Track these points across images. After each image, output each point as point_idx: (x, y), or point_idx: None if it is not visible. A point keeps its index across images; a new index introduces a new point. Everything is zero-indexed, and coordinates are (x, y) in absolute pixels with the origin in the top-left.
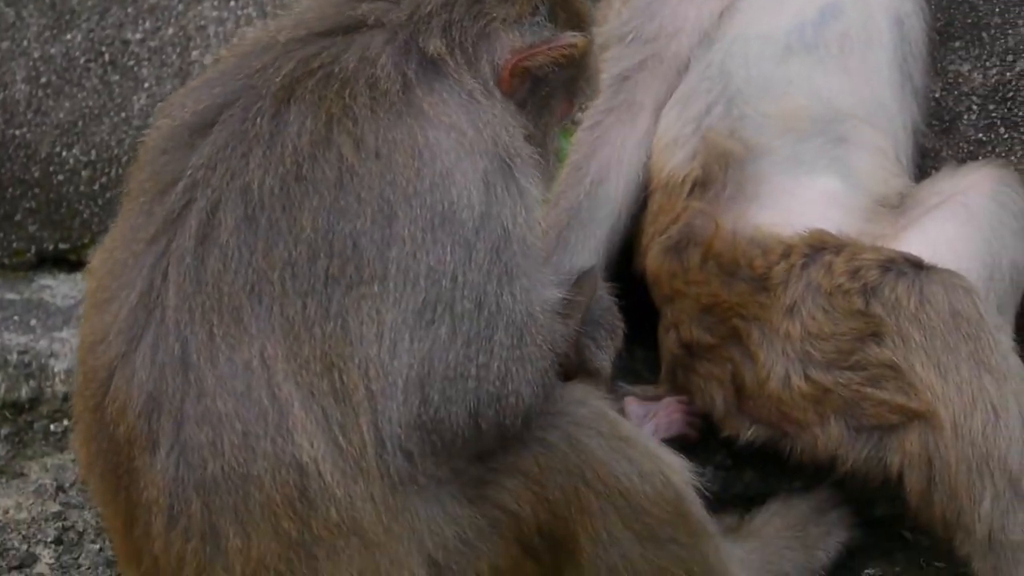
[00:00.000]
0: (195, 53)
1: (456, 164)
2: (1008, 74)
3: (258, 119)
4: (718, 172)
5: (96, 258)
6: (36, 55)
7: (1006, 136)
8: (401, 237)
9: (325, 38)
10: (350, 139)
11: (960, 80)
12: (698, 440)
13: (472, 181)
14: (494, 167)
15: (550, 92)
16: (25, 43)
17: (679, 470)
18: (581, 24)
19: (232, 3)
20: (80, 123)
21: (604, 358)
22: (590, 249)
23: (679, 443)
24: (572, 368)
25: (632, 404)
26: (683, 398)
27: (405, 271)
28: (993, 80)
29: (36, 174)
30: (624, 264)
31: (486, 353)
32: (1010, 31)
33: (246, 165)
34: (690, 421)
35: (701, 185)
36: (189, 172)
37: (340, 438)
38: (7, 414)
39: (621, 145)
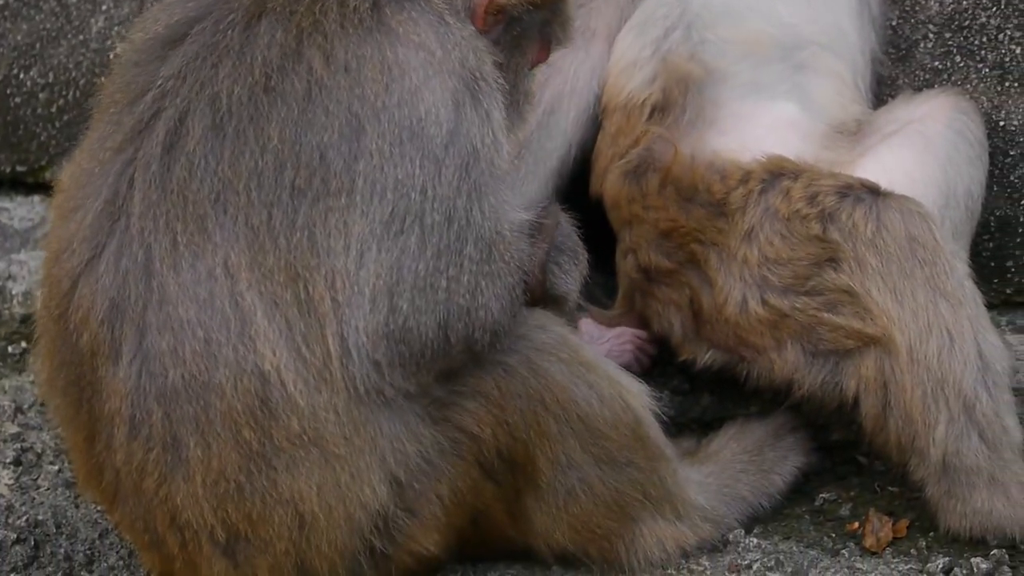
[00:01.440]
0: None
1: (425, 82)
2: (964, 2)
3: (229, 31)
4: (677, 96)
5: (65, 171)
6: None
7: (962, 64)
8: (369, 150)
9: None
10: (320, 52)
11: (917, 8)
12: (648, 369)
13: (440, 99)
14: (462, 87)
15: (523, 33)
16: None
17: (638, 394)
18: None
19: None
20: (38, 45)
21: (570, 284)
22: (540, 178)
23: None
24: (537, 294)
25: (587, 324)
26: (638, 331)
27: (372, 183)
28: (949, 8)
29: None
30: (577, 190)
31: (456, 266)
32: None
33: (215, 75)
34: (639, 355)
35: (660, 109)
36: (159, 82)
37: (303, 348)
38: None
39: (574, 74)
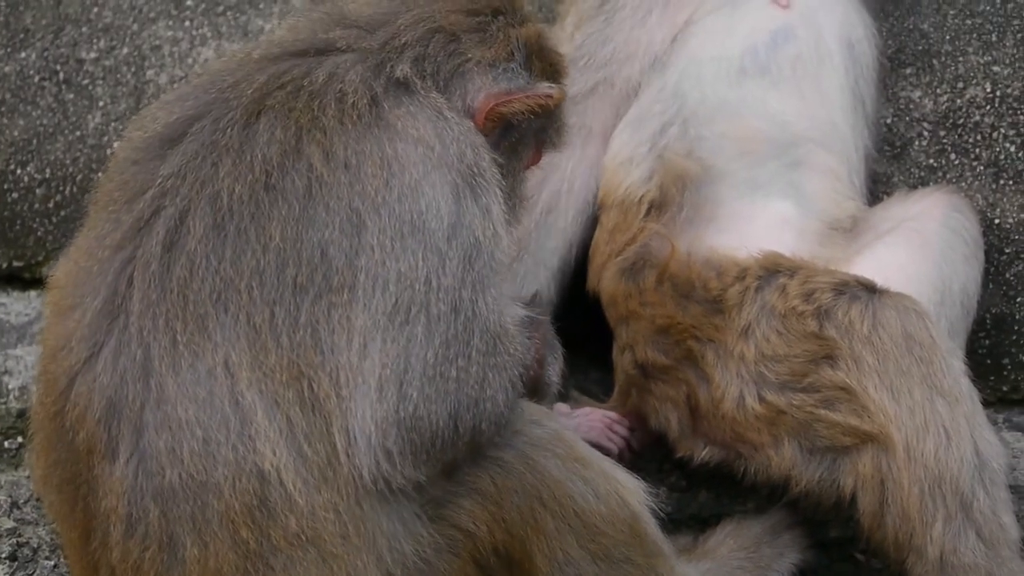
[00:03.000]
0: (150, 72)
1: (424, 176)
2: (958, 101)
3: (228, 130)
4: (675, 194)
5: (59, 268)
6: None
7: (957, 162)
8: (370, 245)
9: (297, 57)
10: (319, 149)
11: (911, 106)
12: (633, 453)
13: (441, 192)
14: (461, 181)
15: (520, 139)
16: None
17: (635, 490)
18: (556, 75)
19: (187, 23)
20: (35, 141)
21: (554, 376)
22: (540, 278)
23: (633, 464)
24: (531, 388)
25: (559, 406)
26: (608, 412)
27: (374, 278)
28: (944, 107)
29: None
30: (576, 284)
31: (464, 357)
32: (960, 58)
33: (216, 174)
34: (609, 435)
35: (657, 206)
36: (159, 181)
37: (305, 446)
38: None
39: (571, 172)
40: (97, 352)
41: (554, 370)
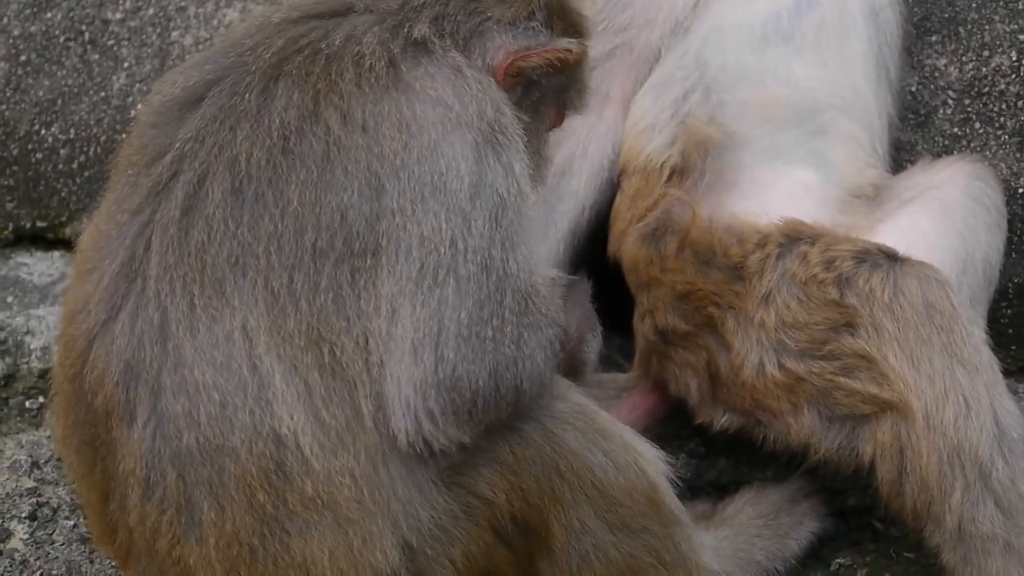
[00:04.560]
0: (175, 34)
1: (443, 136)
2: (984, 69)
3: (246, 94)
4: (697, 160)
5: (84, 233)
6: (16, 33)
7: (981, 131)
8: (390, 209)
9: (316, 19)
10: (337, 113)
11: (936, 74)
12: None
13: (460, 152)
14: (482, 139)
15: (541, 98)
16: (5, 20)
17: (654, 461)
18: (577, 33)
19: None
20: (59, 102)
21: (592, 352)
22: (551, 239)
23: (653, 432)
24: (567, 360)
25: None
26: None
27: (397, 242)
28: (969, 75)
29: (15, 152)
30: (591, 253)
31: (498, 317)
32: (986, 26)
33: (234, 138)
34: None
35: (679, 172)
36: (177, 145)
37: (323, 411)
38: None
39: (587, 135)
40: (115, 315)
41: (592, 348)
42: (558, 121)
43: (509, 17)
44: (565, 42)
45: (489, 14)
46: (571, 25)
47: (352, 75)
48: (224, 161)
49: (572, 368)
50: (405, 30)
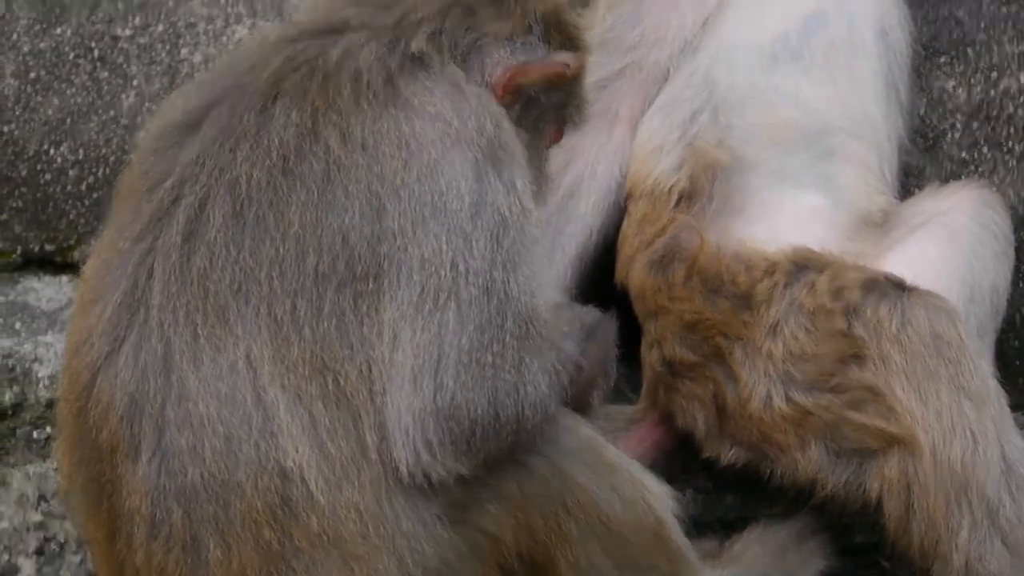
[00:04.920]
0: (184, 51)
1: (443, 155)
2: (992, 92)
3: (245, 115)
4: (705, 184)
5: (88, 262)
6: (25, 49)
7: (989, 156)
8: (391, 231)
9: (313, 37)
10: (336, 131)
11: (945, 97)
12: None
13: (461, 171)
14: (483, 157)
15: (540, 115)
16: (15, 37)
17: (661, 497)
18: (574, 47)
19: (222, 1)
20: (68, 120)
21: (598, 399)
22: (558, 263)
23: (660, 466)
24: (577, 398)
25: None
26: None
27: (398, 265)
28: (977, 98)
29: (23, 172)
30: (599, 276)
31: (499, 341)
32: (995, 47)
33: (233, 160)
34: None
35: (687, 197)
36: (177, 169)
37: (328, 443)
38: None
39: (595, 156)
40: (118, 347)
41: (601, 393)
42: (557, 137)
43: (506, 32)
44: (563, 56)
45: (486, 30)
46: (568, 38)
47: (350, 92)
48: (225, 184)
49: (577, 407)
50: (402, 45)
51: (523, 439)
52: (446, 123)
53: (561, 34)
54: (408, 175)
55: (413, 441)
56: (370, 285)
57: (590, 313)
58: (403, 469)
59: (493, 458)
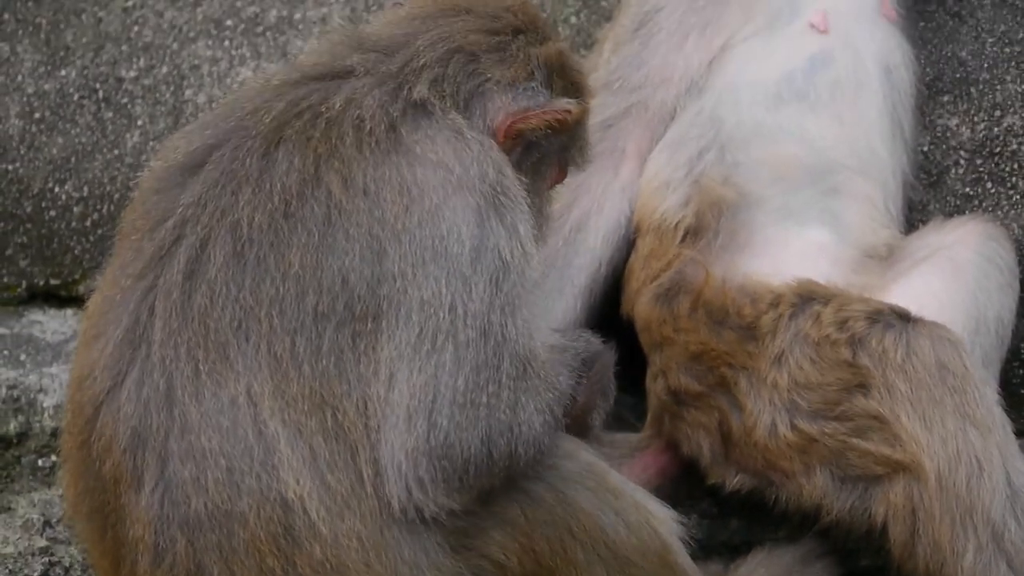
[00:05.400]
0: (188, 92)
1: (444, 200)
2: (996, 129)
3: (247, 159)
4: (711, 220)
5: (91, 299)
6: (30, 90)
7: (993, 191)
8: (391, 273)
9: (316, 82)
10: (338, 177)
11: (948, 134)
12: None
13: (462, 216)
14: (484, 202)
15: (541, 158)
16: (20, 78)
17: (666, 521)
18: (577, 93)
19: (226, 43)
20: (73, 159)
21: (599, 420)
22: (567, 295)
23: (665, 492)
24: (572, 429)
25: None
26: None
27: (398, 306)
28: (981, 135)
29: (28, 209)
30: (608, 309)
31: (495, 382)
32: (998, 86)
33: (235, 203)
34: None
35: (693, 232)
36: (179, 210)
37: (328, 475)
38: None
39: (602, 192)
40: (120, 382)
41: (599, 416)
42: (560, 178)
43: (509, 78)
44: (564, 102)
45: (489, 75)
46: (571, 83)
47: (353, 139)
48: (226, 225)
49: (577, 432)
50: (405, 92)
51: (517, 472)
52: (448, 170)
53: (563, 79)
54: (409, 220)
55: (406, 478)
56: (369, 325)
57: (589, 345)
58: (395, 505)
59: (487, 491)
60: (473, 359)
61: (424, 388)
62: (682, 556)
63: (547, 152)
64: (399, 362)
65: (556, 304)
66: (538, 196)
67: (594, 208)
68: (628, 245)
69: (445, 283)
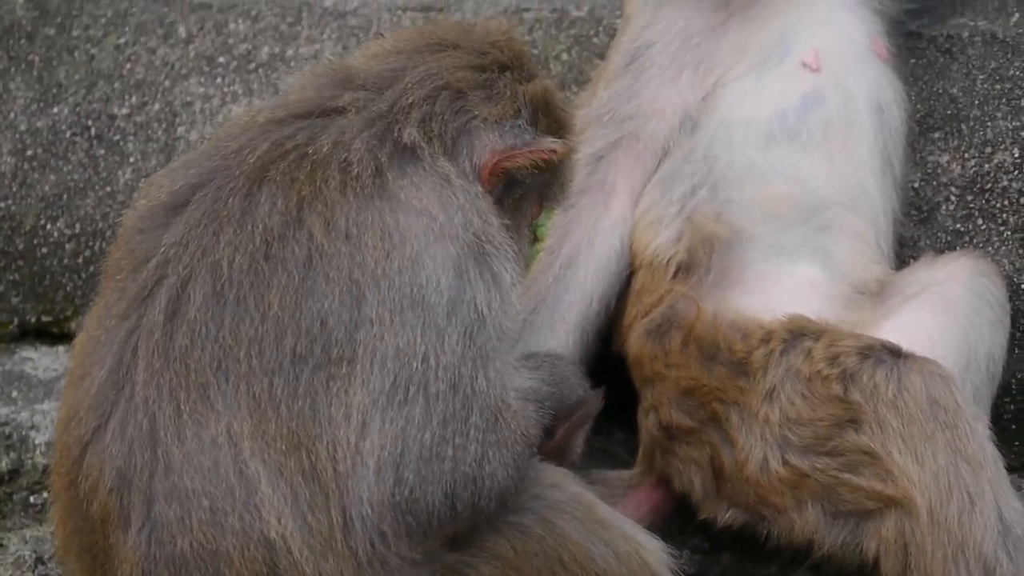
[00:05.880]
0: (181, 129)
1: (425, 248)
2: (986, 166)
3: (230, 199)
4: (703, 256)
5: (77, 339)
6: (23, 128)
7: (984, 227)
8: (369, 318)
9: (302, 120)
10: (320, 220)
11: (939, 171)
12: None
13: (442, 266)
14: (466, 252)
15: (523, 195)
16: (12, 116)
17: (655, 551)
18: (561, 131)
19: (218, 80)
20: (65, 196)
21: (578, 448)
22: (559, 332)
23: (657, 526)
24: (551, 458)
25: None
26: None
27: (373, 352)
28: (971, 171)
29: (20, 246)
30: (601, 344)
31: (462, 435)
32: (988, 123)
33: (216, 243)
34: None
35: (685, 269)
36: (162, 250)
37: (309, 516)
38: None
39: (592, 228)
40: (105, 422)
41: (579, 440)
42: (537, 213)
43: (496, 116)
44: (549, 142)
45: (476, 112)
46: (555, 121)
47: (338, 183)
48: (207, 265)
49: (556, 459)
50: (394, 134)
51: (479, 518)
52: (431, 218)
53: (548, 117)
54: (389, 266)
55: (369, 531)
56: (344, 368)
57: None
58: (361, 554)
59: (449, 539)
60: (442, 412)
61: (394, 441)
62: None
63: (529, 189)
64: (372, 410)
65: (548, 341)
66: (517, 232)
67: (584, 243)
68: (619, 281)
69: (421, 333)
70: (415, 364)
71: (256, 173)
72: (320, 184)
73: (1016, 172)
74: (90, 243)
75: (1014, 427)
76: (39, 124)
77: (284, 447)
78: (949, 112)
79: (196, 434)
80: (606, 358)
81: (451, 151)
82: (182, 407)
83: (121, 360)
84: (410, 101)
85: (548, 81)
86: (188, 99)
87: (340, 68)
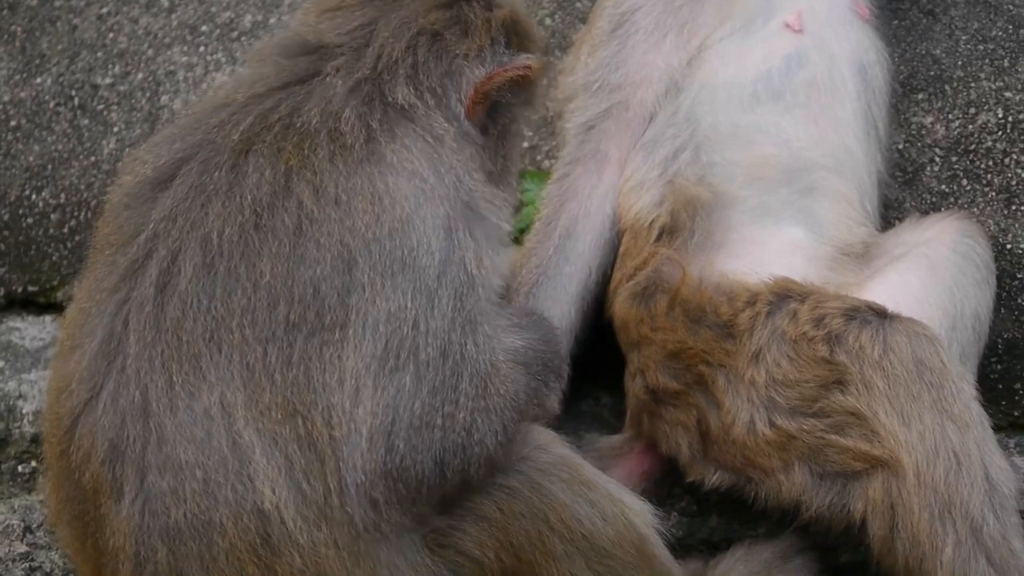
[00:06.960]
0: (164, 98)
1: (416, 210)
2: (970, 127)
3: (216, 172)
4: (686, 219)
5: (68, 311)
6: (6, 99)
7: (968, 188)
8: (361, 283)
9: (282, 90)
10: (309, 187)
11: (923, 132)
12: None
13: (432, 227)
14: (456, 212)
15: (509, 121)
16: None
17: (641, 513)
18: (532, 47)
19: (201, 48)
20: (49, 167)
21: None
22: (561, 303)
23: (645, 489)
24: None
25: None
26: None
27: (365, 317)
28: (955, 132)
29: (5, 217)
30: (599, 314)
31: (452, 403)
32: (972, 84)
33: (205, 216)
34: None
35: (668, 231)
36: (151, 224)
37: (303, 484)
38: None
39: (588, 196)
40: (97, 394)
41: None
42: (521, 140)
43: (475, 48)
44: (523, 58)
45: (456, 51)
46: (524, 38)
47: (327, 151)
48: (196, 238)
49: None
50: (384, 96)
51: (469, 483)
52: (422, 179)
53: (519, 36)
54: (380, 229)
55: (361, 498)
56: (336, 334)
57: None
58: (357, 520)
59: (440, 503)
60: (432, 379)
61: (386, 409)
62: (659, 547)
63: (513, 114)
64: (366, 376)
65: (552, 312)
66: (508, 158)
67: (581, 213)
68: (613, 249)
69: (411, 297)
70: (406, 329)
71: (241, 145)
72: (308, 153)
73: (1000, 133)
74: (75, 213)
75: (1000, 387)
76: (22, 95)
77: (279, 415)
78: (932, 73)
79: (189, 405)
80: (596, 323)
81: (443, 99)
82: (174, 378)
83: (112, 332)
84: (393, 57)
85: (512, 1)
86: (171, 68)
87: (304, 33)
